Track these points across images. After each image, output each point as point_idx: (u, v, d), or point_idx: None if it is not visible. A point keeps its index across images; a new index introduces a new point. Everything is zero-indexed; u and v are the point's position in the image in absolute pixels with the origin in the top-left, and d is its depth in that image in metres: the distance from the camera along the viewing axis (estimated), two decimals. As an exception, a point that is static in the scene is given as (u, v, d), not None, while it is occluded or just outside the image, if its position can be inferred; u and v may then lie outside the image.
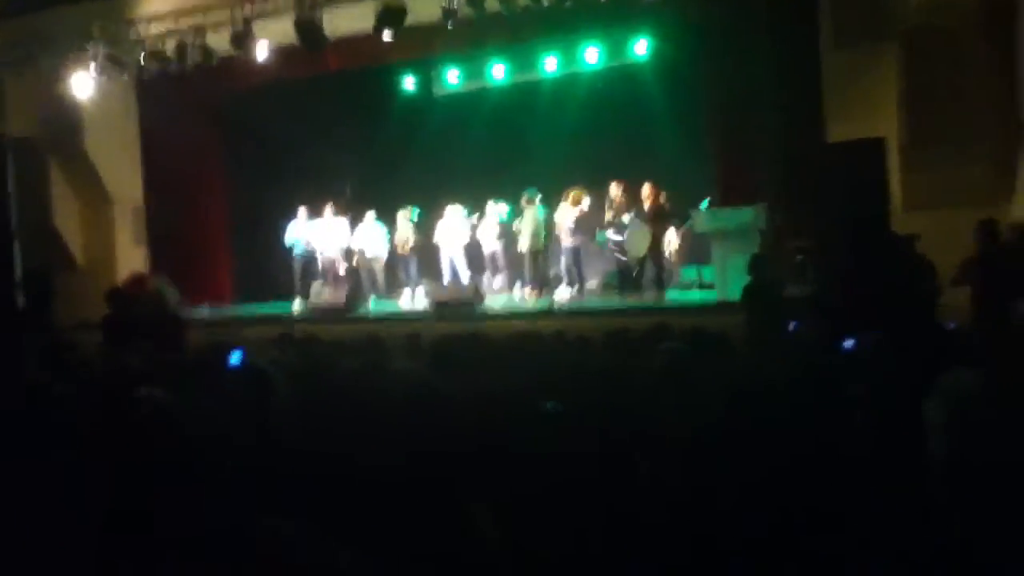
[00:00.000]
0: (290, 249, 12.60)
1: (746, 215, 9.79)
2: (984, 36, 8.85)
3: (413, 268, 12.60)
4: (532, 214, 11.65)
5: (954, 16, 8.68)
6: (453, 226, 12.27)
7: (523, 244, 11.76)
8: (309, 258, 12.49)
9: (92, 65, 11.90)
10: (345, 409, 3.37)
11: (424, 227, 12.57)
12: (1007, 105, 8.79)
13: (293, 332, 6.22)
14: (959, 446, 1.65)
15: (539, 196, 11.75)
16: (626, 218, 11.08)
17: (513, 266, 12.37)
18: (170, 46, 11.57)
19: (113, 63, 11.89)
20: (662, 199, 11.44)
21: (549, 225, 11.79)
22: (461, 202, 12.44)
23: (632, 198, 11.10)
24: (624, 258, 11.49)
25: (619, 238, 11.22)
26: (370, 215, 12.60)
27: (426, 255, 12.73)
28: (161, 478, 2.46)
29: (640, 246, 11.00)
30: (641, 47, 12.85)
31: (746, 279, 7.76)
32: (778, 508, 2.30)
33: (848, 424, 2.97)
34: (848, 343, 4.13)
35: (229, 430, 2.97)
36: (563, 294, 11.62)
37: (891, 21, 9.28)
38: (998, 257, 7.17)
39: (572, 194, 11.56)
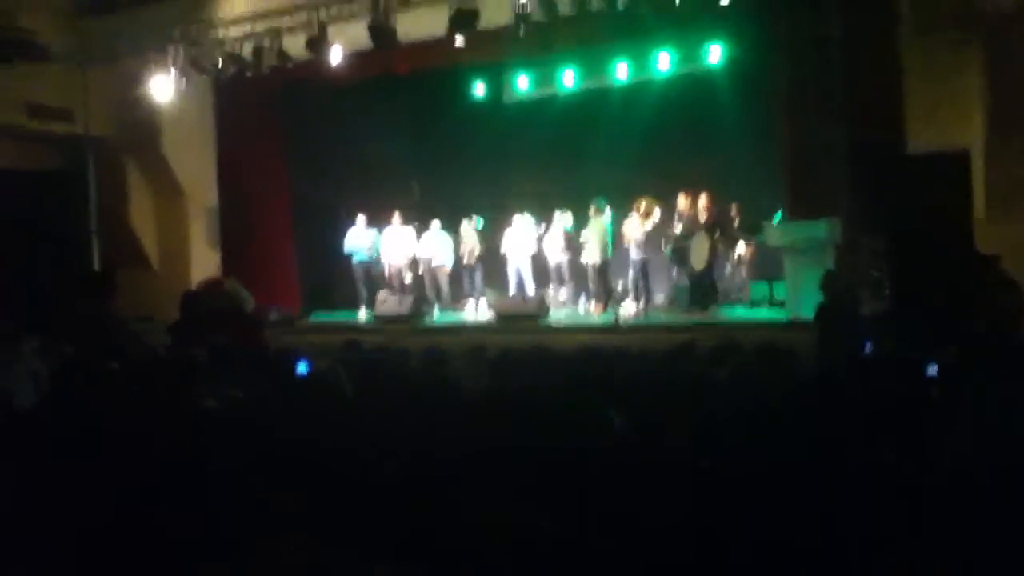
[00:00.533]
0: (350, 256, 12.65)
1: (820, 229, 9.52)
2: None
3: (478, 278, 12.57)
4: (599, 224, 11.53)
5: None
6: (520, 236, 12.20)
7: (589, 255, 11.64)
8: (370, 266, 12.53)
9: (172, 66, 12.19)
10: (410, 417, 3.34)
11: (490, 236, 12.53)
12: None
13: (359, 340, 6.23)
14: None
15: (608, 206, 11.62)
16: (681, 230, 10.89)
17: (578, 278, 12.25)
18: (247, 49, 11.78)
19: (192, 65, 12.15)
20: (733, 211, 11.23)
21: (616, 236, 11.66)
22: (528, 211, 12.38)
23: (701, 209, 10.91)
24: (681, 271, 11.35)
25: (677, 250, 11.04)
26: (436, 224, 12.59)
27: (492, 265, 12.70)
28: (229, 474, 2.45)
29: (697, 259, 10.78)
30: (715, 54, 12.62)
31: (819, 296, 7.55)
32: (855, 535, 2.22)
33: (931, 452, 2.84)
34: (930, 368, 3.95)
35: (299, 431, 2.97)
36: (629, 309, 11.46)
37: (975, 11, 8.89)
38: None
39: (643, 205, 11.39)
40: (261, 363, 4.76)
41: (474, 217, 12.51)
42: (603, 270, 11.67)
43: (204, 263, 13.67)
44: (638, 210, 11.42)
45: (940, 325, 6.16)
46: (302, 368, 4.10)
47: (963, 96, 9.36)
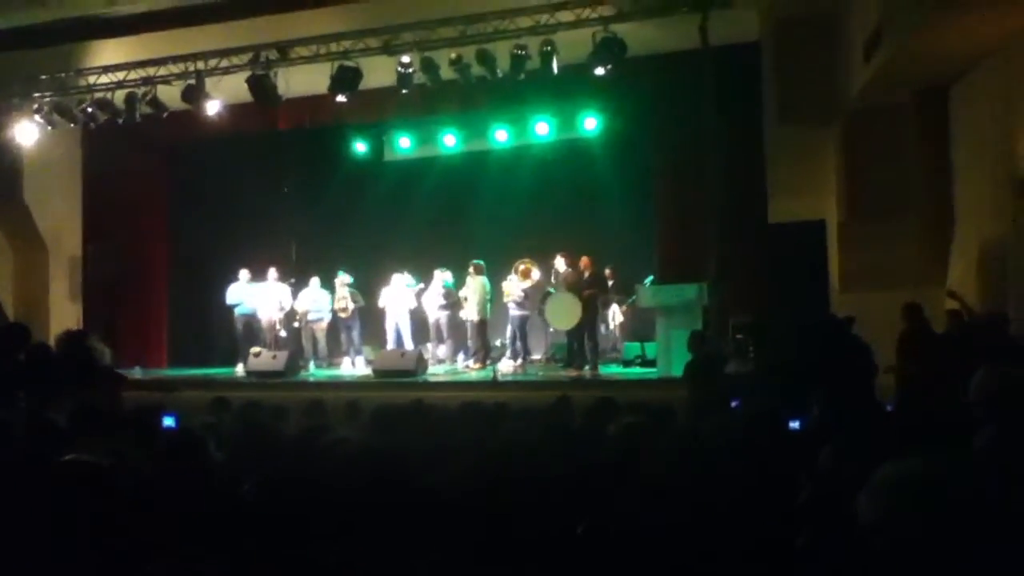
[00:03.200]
0: (231, 309, 12.35)
1: (690, 291, 9.93)
2: (919, 122, 9.23)
3: (356, 333, 12.46)
4: (478, 283, 11.67)
5: (892, 100, 9.04)
6: (398, 292, 12.20)
7: (468, 313, 11.74)
8: (250, 319, 12.25)
9: (38, 113, 11.75)
10: (284, 475, 3.27)
11: (368, 292, 12.48)
12: (940, 190, 9.13)
13: (228, 397, 6.06)
14: (891, 544, 1.65)
15: (482, 266, 11.80)
16: (558, 290, 11.15)
17: (457, 335, 12.31)
18: (119, 97, 11.48)
19: (59, 112, 11.75)
20: (607, 273, 11.57)
21: (495, 295, 11.82)
22: (407, 268, 12.40)
23: (577, 270, 11.20)
24: (551, 329, 11.59)
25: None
26: (315, 281, 12.44)
27: (370, 321, 12.62)
28: (92, 541, 2.35)
29: (567, 319, 11.02)
30: (591, 123, 13.12)
31: (688, 355, 7.84)
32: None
33: (787, 503, 2.98)
34: (791, 423, 4.18)
35: (160, 493, 2.86)
36: (507, 365, 11.58)
37: (834, 103, 9.64)
38: (925, 340, 7.37)
39: (523, 267, 11.62)
40: (121, 422, 4.56)
41: (343, 274, 12.38)
42: (482, 328, 11.77)
43: (65, 316, 13.02)
44: (516, 270, 11.63)
45: (798, 384, 6.47)
46: (169, 422, 3.97)
47: (821, 175, 10.06)
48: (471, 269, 11.76)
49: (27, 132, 11.90)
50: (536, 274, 11.63)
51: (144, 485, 2.67)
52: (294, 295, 12.41)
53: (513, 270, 11.70)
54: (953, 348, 6.88)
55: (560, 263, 11.21)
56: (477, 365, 11.65)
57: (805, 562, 2.28)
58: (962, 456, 2.71)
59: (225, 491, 3.05)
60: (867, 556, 1.64)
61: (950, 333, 7.38)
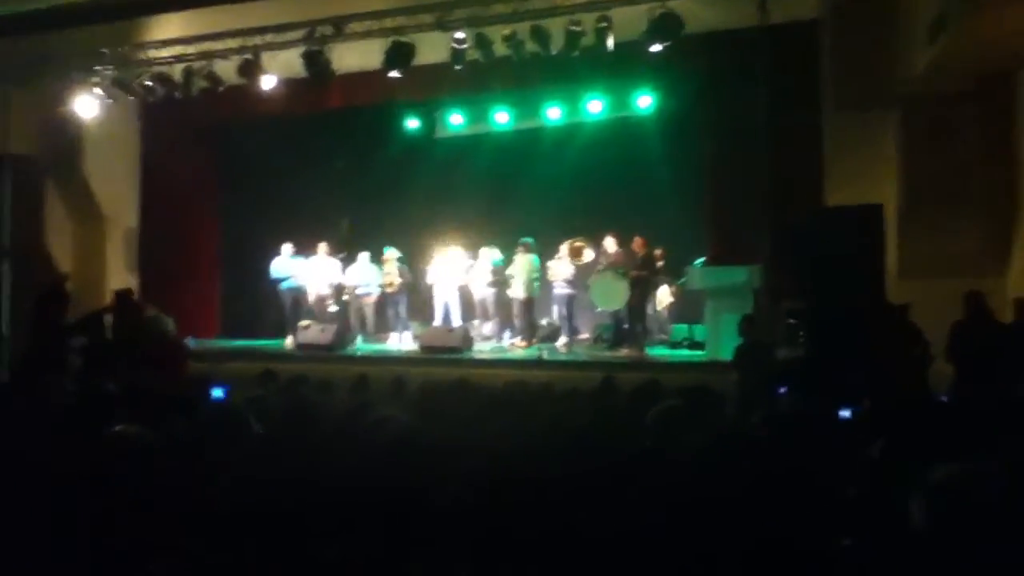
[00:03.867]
0: (276, 284, 12.51)
1: (740, 274, 9.78)
2: (982, 108, 8.96)
3: (403, 308, 12.53)
4: (526, 261, 11.63)
5: (955, 86, 8.78)
6: (448, 268, 12.23)
7: (515, 291, 11.73)
8: (298, 293, 12.40)
9: (98, 87, 11.95)
10: (326, 452, 3.30)
11: (417, 268, 12.54)
12: (1003, 178, 8.86)
13: (276, 371, 6.13)
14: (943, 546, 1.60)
15: (532, 244, 11.76)
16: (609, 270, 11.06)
17: (503, 313, 12.31)
18: (177, 71, 11.63)
19: (119, 86, 11.94)
20: (657, 254, 11.45)
21: (542, 274, 11.78)
22: (457, 244, 12.42)
23: (628, 251, 11.10)
24: (598, 310, 11.53)
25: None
26: (364, 256, 12.53)
27: (419, 296, 12.68)
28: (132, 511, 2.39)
29: (613, 299, 10.94)
30: (644, 101, 12.96)
31: (737, 339, 7.74)
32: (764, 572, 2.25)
33: (837, 494, 2.92)
34: (842, 411, 4.09)
35: (203, 468, 2.90)
36: (554, 344, 11.56)
37: (893, 88, 9.39)
38: (987, 330, 7.16)
39: (575, 246, 11.55)
40: (180, 396, 4.64)
41: (391, 248, 12.47)
42: (528, 306, 11.75)
43: (122, 285, 13.28)
44: (568, 250, 11.57)
45: (849, 372, 6.36)
46: (218, 394, 4.03)
47: (878, 162, 9.81)
48: (519, 247, 11.73)
49: (88, 106, 12.11)
50: (589, 254, 11.55)
51: (186, 461, 2.70)
52: (343, 270, 12.53)
53: (565, 250, 11.64)
54: (1018, 340, 6.69)
55: (610, 243, 11.12)
56: (523, 344, 11.65)
57: (851, 563, 2.22)
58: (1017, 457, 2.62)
59: (262, 471, 3.08)
60: (919, 560, 1.59)
61: (1018, 323, 7.17)
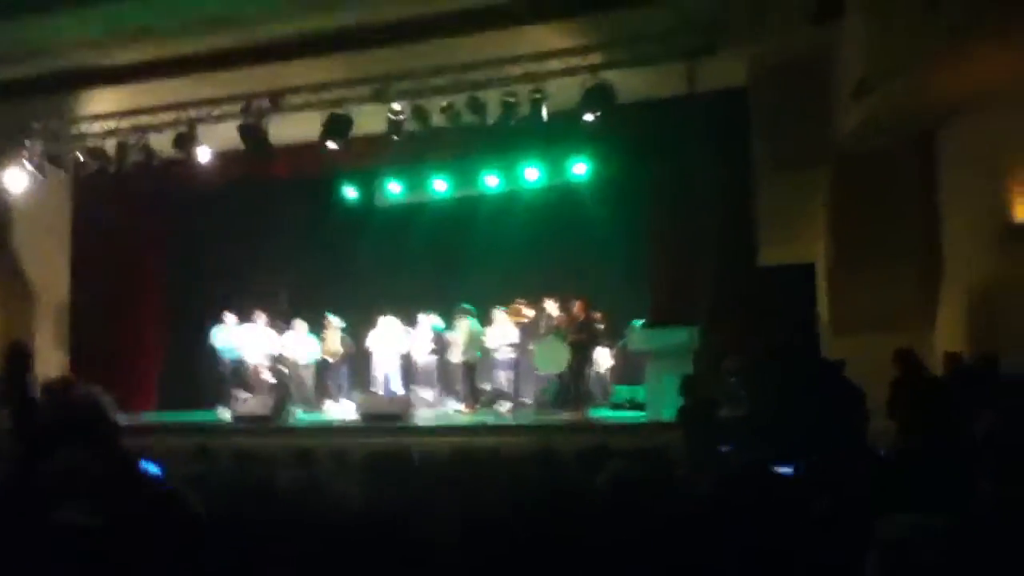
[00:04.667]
0: (218, 354, 12.29)
1: (680, 335, 9.92)
2: (906, 166, 9.33)
3: (344, 377, 12.40)
4: (467, 327, 11.65)
5: (880, 145, 9.13)
6: (387, 336, 12.16)
7: (456, 356, 11.71)
8: (238, 364, 12.20)
9: (27, 161, 11.75)
10: (278, 533, 3.22)
11: (357, 336, 12.45)
12: (928, 233, 9.20)
13: (209, 445, 5.96)
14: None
15: (473, 310, 11.80)
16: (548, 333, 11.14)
17: (446, 379, 12.26)
18: (111, 145, 11.51)
19: (50, 160, 11.76)
20: (597, 317, 11.57)
21: (483, 338, 11.80)
22: (397, 312, 12.39)
23: (569, 315, 11.19)
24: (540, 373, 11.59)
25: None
26: (301, 325, 12.42)
27: (357, 364, 12.57)
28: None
29: (556, 363, 11.01)
30: (580, 168, 13.21)
31: (679, 399, 7.81)
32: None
33: (783, 547, 2.94)
34: (784, 468, 4.14)
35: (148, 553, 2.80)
36: (499, 408, 11.53)
37: (823, 147, 9.72)
38: (920, 386, 7.34)
39: (515, 308, 11.62)
40: (116, 476, 4.47)
41: (334, 316, 12.41)
42: (470, 371, 11.73)
43: (51, 365, 12.89)
44: (511, 313, 11.63)
45: (790, 429, 6.45)
46: (155, 471, 3.89)
47: (810, 219, 10.12)
48: (459, 314, 11.76)
49: (17, 180, 11.89)
50: (528, 312, 11.66)
51: (133, 546, 2.61)
52: (281, 340, 12.40)
53: (503, 315, 11.69)
54: (950, 392, 6.86)
55: (551, 306, 11.21)
56: (467, 409, 11.58)
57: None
58: (964, 509, 2.68)
59: (208, 548, 2.99)
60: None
61: (948, 377, 7.36)
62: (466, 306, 11.82)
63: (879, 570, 1.63)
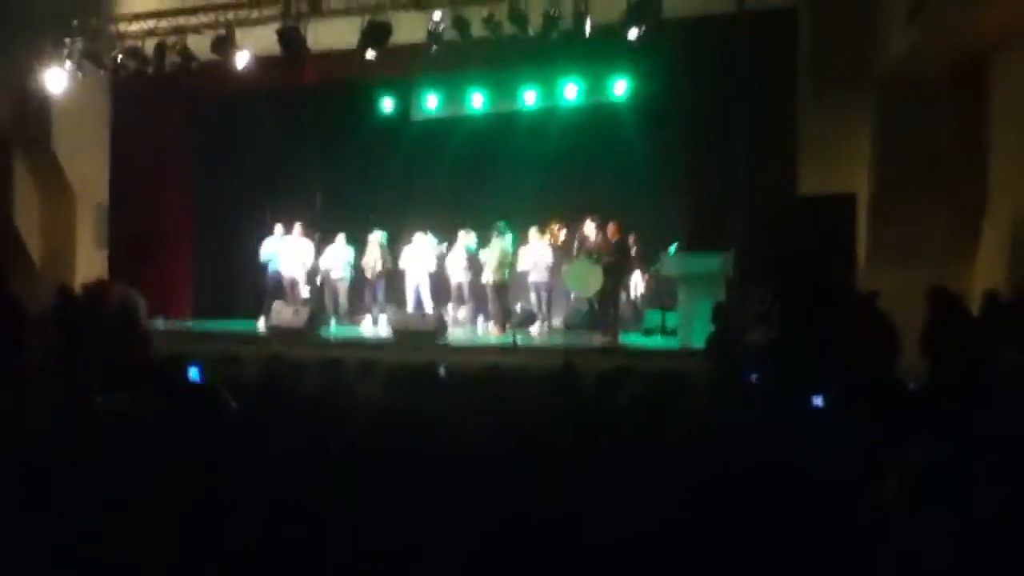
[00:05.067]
0: (264, 265, 12.41)
1: (714, 261, 9.82)
2: (956, 97, 9.05)
3: (380, 293, 12.48)
4: (499, 246, 11.63)
5: (930, 74, 8.85)
6: (421, 254, 12.19)
7: (487, 276, 11.72)
8: (277, 276, 12.31)
9: (68, 60, 11.74)
10: (300, 433, 3.29)
11: (392, 252, 12.48)
12: (974, 169, 8.96)
13: (244, 354, 6.09)
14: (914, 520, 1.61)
15: (508, 230, 11.75)
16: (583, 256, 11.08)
17: (478, 298, 12.30)
18: (149, 46, 11.46)
19: (90, 59, 11.74)
20: (631, 240, 11.48)
21: (515, 258, 11.78)
22: (431, 229, 12.38)
23: (602, 237, 11.11)
24: (573, 296, 11.56)
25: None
26: (341, 237, 12.47)
27: (392, 281, 12.64)
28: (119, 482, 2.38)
29: (588, 285, 10.97)
30: (620, 87, 12.95)
31: (710, 326, 7.78)
32: (742, 559, 2.26)
33: (805, 477, 2.95)
34: (815, 399, 4.13)
35: (182, 444, 2.89)
36: (528, 330, 11.58)
37: (868, 76, 9.45)
38: (952, 324, 7.23)
39: (552, 229, 11.56)
40: (146, 373, 4.60)
41: (380, 232, 12.44)
42: (501, 291, 11.75)
43: (91, 265, 13.15)
44: (547, 234, 11.58)
45: (819, 359, 6.41)
46: (194, 374, 4.01)
47: (851, 151, 9.88)
48: (493, 232, 11.72)
49: (57, 79, 11.90)
50: (563, 235, 11.59)
51: (167, 434, 2.69)
52: (319, 251, 12.45)
53: (544, 231, 11.65)
54: (984, 331, 6.76)
55: (590, 228, 11.10)
56: (497, 329, 11.65)
57: (832, 547, 2.24)
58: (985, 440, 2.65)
59: (243, 447, 3.07)
60: (896, 538, 1.60)
61: (985, 314, 7.24)
62: (499, 224, 11.77)
63: (900, 493, 1.62)
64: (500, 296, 11.76)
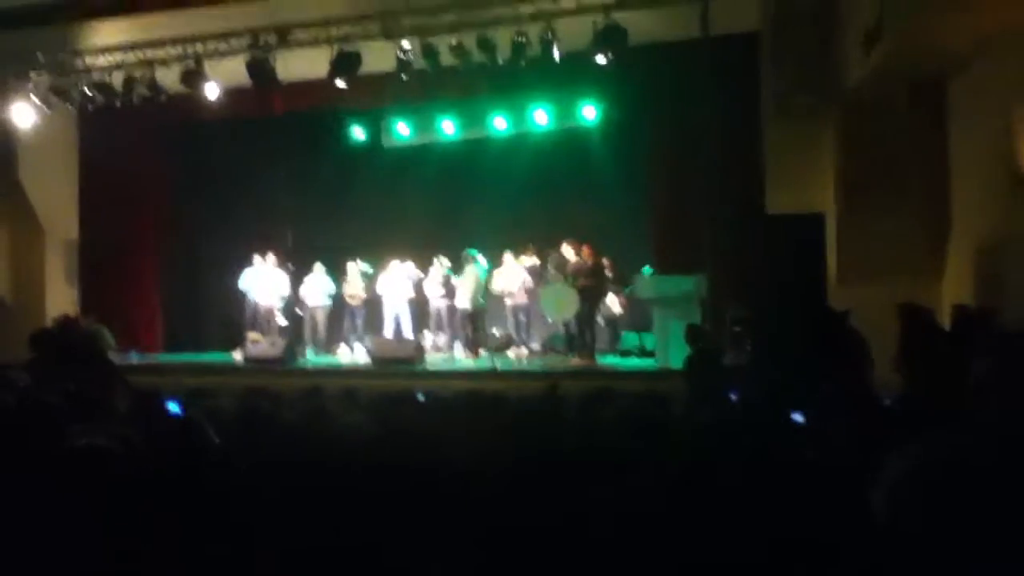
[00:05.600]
0: (241, 296, 12.37)
1: (688, 283, 9.91)
2: (917, 114, 9.23)
3: (360, 320, 12.45)
4: (472, 272, 11.67)
5: (890, 92, 9.03)
6: (398, 280, 12.19)
7: (460, 301, 11.74)
8: (253, 306, 12.26)
9: (34, 94, 11.67)
10: (285, 464, 3.27)
11: (370, 280, 12.49)
12: (937, 183, 9.13)
13: (222, 383, 6.06)
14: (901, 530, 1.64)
15: (479, 255, 11.80)
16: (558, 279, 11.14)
17: (456, 323, 12.31)
18: (117, 79, 11.42)
19: (56, 93, 11.67)
20: (606, 263, 11.57)
21: (488, 284, 11.82)
22: (406, 255, 12.40)
23: (577, 260, 11.18)
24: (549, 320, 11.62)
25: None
26: (318, 267, 12.47)
27: (371, 308, 12.63)
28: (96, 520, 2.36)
29: (564, 309, 11.02)
30: (589, 111, 13.09)
31: (686, 347, 7.83)
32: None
33: (788, 495, 2.98)
34: (794, 415, 4.18)
35: (164, 478, 2.87)
36: (506, 354, 11.60)
37: (831, 96, 9.62)
38: (925, 339, 7.35)
39: (528, 251, 11.65)
40: (116, 409, 4.55)
41: (360, 261, 12.44)
42: (474, 317, 11.77)
43: (61, 299, 13.00)
44: (524, 255, 11.65)
45: (794, 378, 6.47)
46: (173, 408, 3.98)
47: (818, 167, 10.04)
48: (463, 258, 11.78)
49: (23, 113, 11.82)
50: (536, 261, 11.67)
51: (149, 471, 2.67)
52: (295, 280, 12.42)
53: (516, 255, 11.72)
54: (956, 343, 6.86)
55: (568, 251, 11.15)
56: (471, 355, 11.65)
57: (816, 559, 2.27)
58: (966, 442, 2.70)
59: (226, 476, 3.05)
60: (887, 554, 1.63)
61: (954, 328, 7.36)
62: (470, 252, 11.82)
63: (885, 506, 1.64)
64: (471, 321, 11.78)
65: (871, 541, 1.68)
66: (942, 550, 1.55)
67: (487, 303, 11.91)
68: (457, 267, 12.07)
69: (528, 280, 11.63)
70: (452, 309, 12.11)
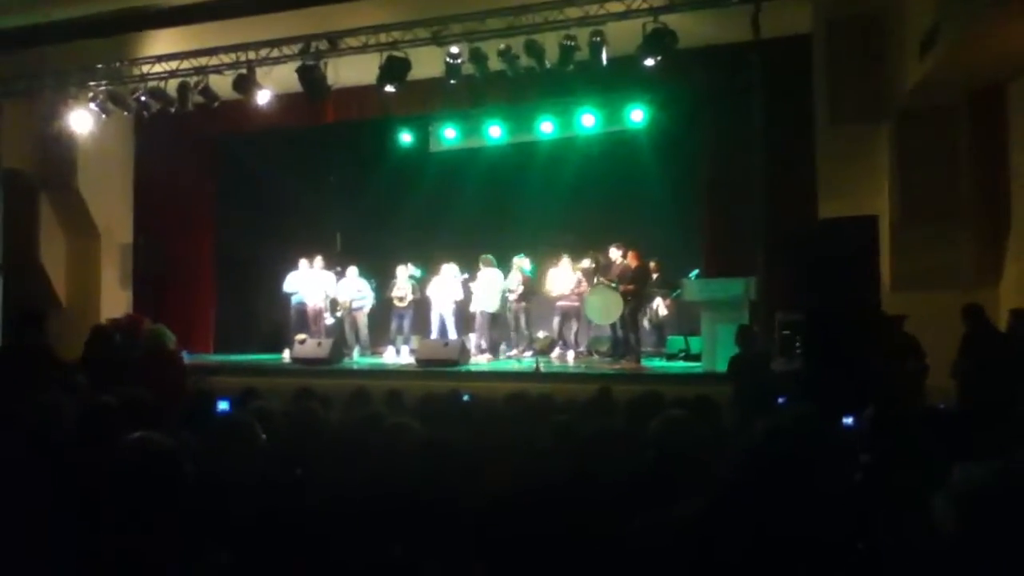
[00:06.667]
0: (284, 297, 12.53)
1: (736, 287, 9.80)
2: (974, 120, 9.03)
3: (407, 322, 12.52)
4: (489, 276, 11.72)
5: (947, 99, 8.84)
6: (446, 283, 12.25)
7: (478, 304, 11.85)
8: (302, 308, 12.43)
9: (92, 102, 11.96)
10: (335, 464, 3.30)
11: (418, 283, 12.57)
12: (995, 190, 8.92)
13: (269, 384, 6.13)
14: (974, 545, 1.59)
15: (493, 260, 11.83)
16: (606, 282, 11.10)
17: (500, 326, 12.32)
18: (171, 86, 11.65)
19: (114, 101, 11.94)
20: (651, 267, 11.49)
21: (536, 286, 11.82)
22: (453, 259, 12.45)
23: (623, 264, 11.13)
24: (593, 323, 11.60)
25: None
26: (352, 270, 12.57)
27: (418, 311, 12.71)
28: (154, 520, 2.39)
29: (609, 314, 10.97)
30: (637, 115, 13.03)
31: (733, 350, 7.75)
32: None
33: (838, 503, 2.92)
34: (845, 419, 4.11)
35: (218, 477, 2.91)
36: (550, 357, 11.58)
37: (886, 102, 9.46)
38: (988, 341, 7.20)
39: (585, 255, 11.67)
40: (186, 409, 4.63)
41: (410, 264, 12.52)
42: (492, 319, 11.91)
43: (115, 302, 13.29)
44: (571, 260, 11.65)
45: (844, 384, 6.37)
46: (224, 407, 4.04)
47: (871, 175, 9.87)
48: (480, 263, 11.82)
49: (82, 121, 12.12)
50: (587, 263, 11.68)
51: (203, 468, 2.71)
52: (336, 283, 12.57)
53: (566, 258, 11.73)
54: (1016, 347, 6.72)
55: (615, 254, 11.12)
56: (486, 357, 11.68)
57: (867, 566, 2.22)
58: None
59: (276, 477, 3.09)
60: (947, 563, 1.58)
61: (1013, 332, 7.20)
62: (487, 256, 11.85)
63: (951, 516, 1.60)
64: (490, 325, 11.89)
65: (931, 547, 1.63)
66: (1016, 564, 1.50)
67: (532, 304, 11.92)
68: (506, 269, 12.06)
69: (583, 283, 11.58)
70: (500, 310, 12.12)
